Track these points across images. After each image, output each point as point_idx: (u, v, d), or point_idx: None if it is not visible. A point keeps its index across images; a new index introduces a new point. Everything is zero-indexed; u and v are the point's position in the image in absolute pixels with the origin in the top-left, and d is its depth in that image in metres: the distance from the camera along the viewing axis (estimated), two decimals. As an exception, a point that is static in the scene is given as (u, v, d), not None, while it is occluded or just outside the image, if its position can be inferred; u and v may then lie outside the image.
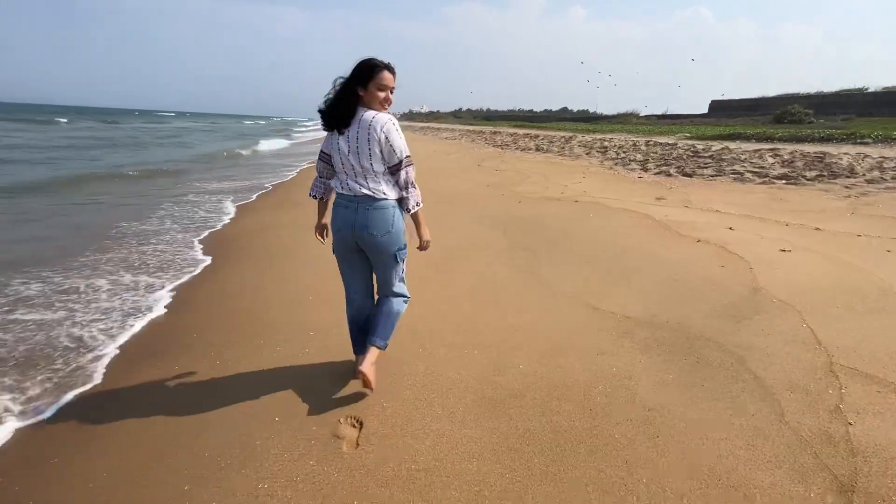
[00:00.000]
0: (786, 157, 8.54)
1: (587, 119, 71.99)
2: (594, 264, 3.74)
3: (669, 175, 7.94)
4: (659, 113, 64.33)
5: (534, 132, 19.31)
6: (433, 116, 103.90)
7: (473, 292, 3.25)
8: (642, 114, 65.16)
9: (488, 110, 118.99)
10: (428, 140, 24.08)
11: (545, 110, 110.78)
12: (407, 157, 1.89)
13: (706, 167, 8.07)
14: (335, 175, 1.99)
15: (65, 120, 40.39)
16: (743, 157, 8.96)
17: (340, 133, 1.87)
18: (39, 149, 14.64)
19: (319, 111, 1.91)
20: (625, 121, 57.12)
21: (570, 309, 2.93)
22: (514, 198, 6.89)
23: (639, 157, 9.56)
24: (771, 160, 8.42)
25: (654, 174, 8.29)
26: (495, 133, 21.46)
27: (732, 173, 7.65)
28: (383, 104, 1.87)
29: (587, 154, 11.20)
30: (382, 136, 1.83)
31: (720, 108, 56.20)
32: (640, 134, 23.14)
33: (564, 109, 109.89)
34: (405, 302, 2.17)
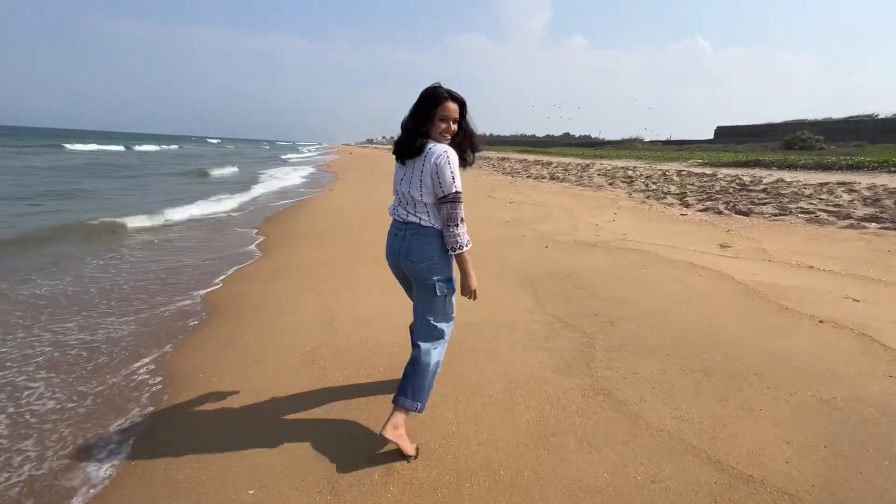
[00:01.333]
0: (865, 192, 7.30)
1: (590, 144, 71.89)
2: (682, 363, 2.51)
3: (719, 212, 6.73)
4: (663, 139, 64.05)
5: (544, 158, 18.36)
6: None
7: (505, 409, 2.09)
8: (646, 139, 64.90)
9: (491, 135, 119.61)
10: (432, 166, 23.11)
11: (547, 135, 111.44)
12: (454, 192, 1.81)
13: (763, 203, 6.83)
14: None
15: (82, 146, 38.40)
16: (807, 191, 7.64)
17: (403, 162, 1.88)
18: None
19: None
20: (630, 146, 56.69)
21: (673, 463, 1.69)
22: (538, 241, 5.68)
23: (673, 188, 8.37)
24: (846, 196, 7.18)
25: (699, 211, 7.09)
26: (503, 159, 20.51)
27: (801, 212, 6.42)
28: (443, 135, 1.84)
29: (610, 184, 10.06)
30: (434, 168, 1.78)
31: (726, 134, 55.74)
32: (650, 160, 22.22)
33: (567, 135, 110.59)
34: (439, 346, 1.92)
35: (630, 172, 10.70)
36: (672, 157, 26.14)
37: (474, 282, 1.86)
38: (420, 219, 1.85)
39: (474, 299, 1.89)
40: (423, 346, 1.88)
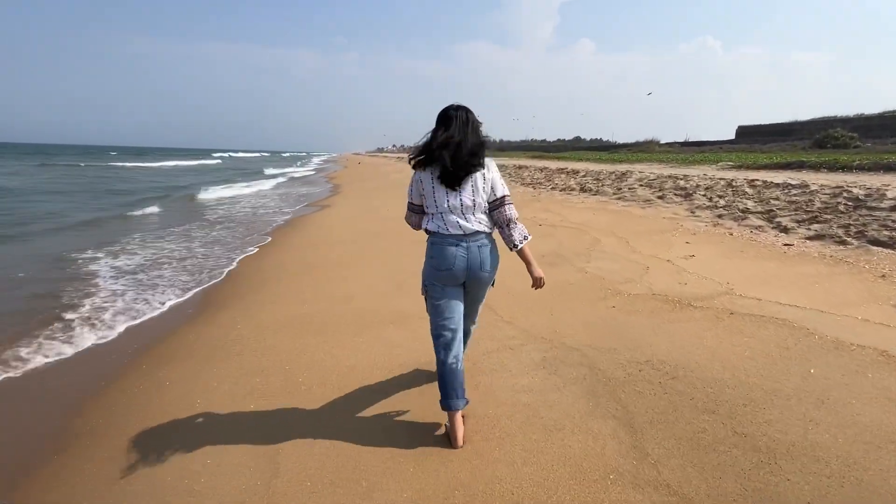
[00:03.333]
0: None
1: (603, 148, 69.83)
2: None
3: (842, 242, 4.85)
4: (681, 140, 61.85)
5: (567, 165, 16.64)
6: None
7: None
8: (663, 141, 62.74)
9: (501, 141, 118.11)
10: (442, 176, 21.46)
11: (558, 140, 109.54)
12: (508, 194, 2.14)
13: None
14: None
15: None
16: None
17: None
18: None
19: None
20: (646, 149, 54.52)
21: None
22: (595, 292, 4.02)
23: (751, 204, 6.53)
24: None
25: (808, 238, 5.25)
26: (520, 168, 18.80)
27: None
28: None
29: (660, 198, 8.28)
30: (493, 176, 2.12)
31: (748, 134, 53.33)
32: (676, 163, 20.33)
33: (577, 139, 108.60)
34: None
35: (682, 182, 8.92)
36: (698, 159, 24.20)
37: (540, 270, 2.25)
38: (485, 227, 2.07)
39: (542, 286, 2.24)
40: (472, 327, 2.41)
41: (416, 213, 2.14)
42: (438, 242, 2.04)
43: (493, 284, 2.25)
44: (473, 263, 2.05)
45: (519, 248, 2.14)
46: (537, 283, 2.19)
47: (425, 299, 2.16)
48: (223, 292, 4.91)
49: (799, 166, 14.09)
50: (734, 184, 7.75)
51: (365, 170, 32.80)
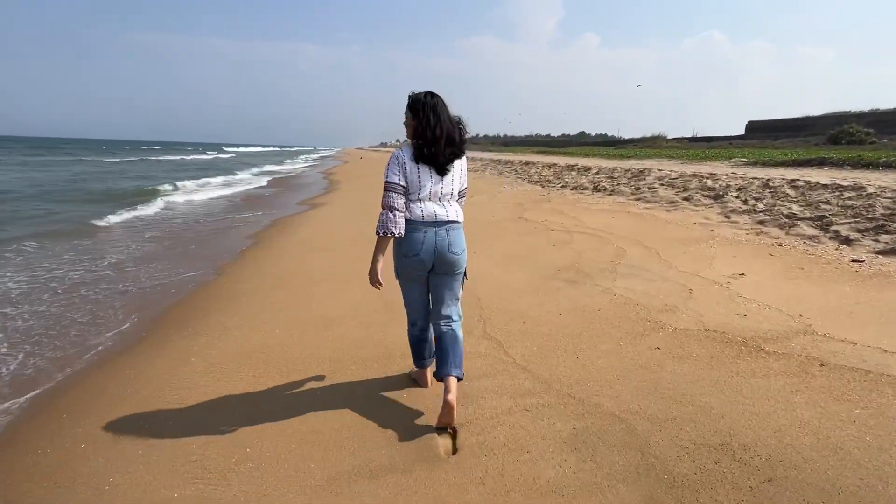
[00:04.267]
0: None
1: (609, 143, 68.86)
2: None
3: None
4: (689, 135, 60.66)
5: (577, 162, 15.74)
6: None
7: None
8: (670, 136, 61.65)
9: (506, 136, 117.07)
10: (444, 172, 20.56)
11: (563, 135, 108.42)
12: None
13: None
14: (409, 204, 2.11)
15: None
16: None
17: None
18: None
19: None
20: (654, 144, 53.53)
21: None
22: (628, 324, 3.24)
23: (796, 208, 5.72)
24: None
25: (877, 252, 4.38)
26: (527, 164, 17.91)
27: None
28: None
29: (686, 199, 7.40)
30: (464, 165, 2.27)
31: (759, 129, 52.15)
32: (686, 160, 19.51)
33: (582, 134, 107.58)
34: (461, 320, 2.32)
35: (709, 182, 8.04)
36: (710, 155, 23.30)
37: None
38: (457, 213, 2.17)
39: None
40: (455, 323, 2.27)
41: (401, 194, 2.09)
42: (407, 230, 2.09)
43: (465, 276, 2.32)
44: (441, 244, 2.11)
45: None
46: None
47: (399, 284, 2.33)
48: (187, 309, 4.14)
49: (820, 163, 13.20)
50: (772, 184, 6.89)
51: (366, 165, 31.96)
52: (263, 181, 19.55)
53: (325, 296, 4.20)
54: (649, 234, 5.76)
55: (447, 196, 2.14)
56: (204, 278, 5.21)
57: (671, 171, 10.13)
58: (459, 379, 2.16)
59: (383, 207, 2.09)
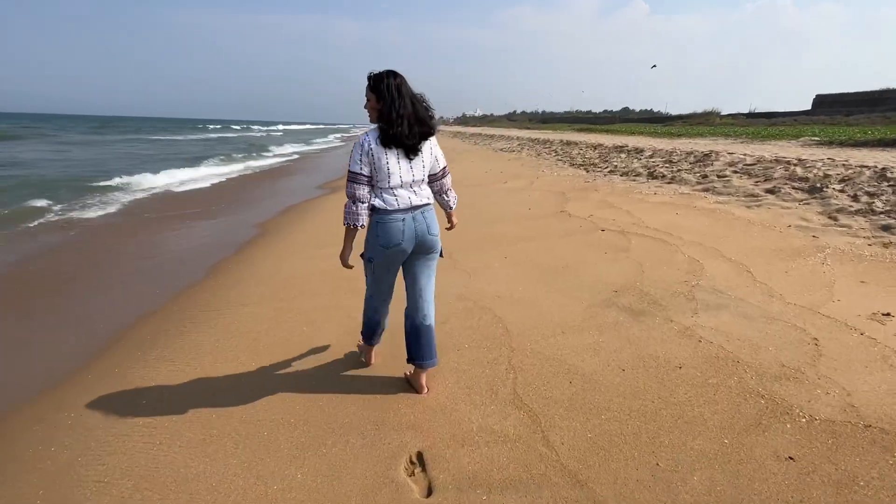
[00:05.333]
0: None
1: (655, 119, 64.75)
2: None
3: None
4: (745, 111, 56.12)
5: (627, 143, 14.12)
6: (486, 120, 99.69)
7: None
8: (724, 112, 57.32)
9: (544, 112, 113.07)
10: (479, 153, 19.29)
11: (605, 111, 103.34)
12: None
13: None
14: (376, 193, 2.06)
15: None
16: None
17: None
18: None
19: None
20: (705, 121, 49.78)
21: None
22: (728, 398, 2.22)
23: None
24: None
25: None
26: (568, 143, 16.39)
27: None
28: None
29: (769, 192, 5.99)
30: (435, 146, 2.19)
31: (828, 104, 47.29)
32: (744, 138, 17.42)
33: (626, 110, 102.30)
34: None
35: (798, 170, 6.53)
36: (773, 133, 20.87)
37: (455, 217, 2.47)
38: (428, 196, 2.15)
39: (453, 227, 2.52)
40: (431, 312, 2.27)
41: (365, 184, 2.03)
42: (384, 220, 2.05)
43: (441, 254, 2.30)
44: (420, 228, 2.10)
45: (451, 210, 2.37)
46: (452, 225, 2.48)
47: (365, 266, 2.24)
48: (154, 324, 3.41)
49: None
50: (890, 174, 5.42)
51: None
52: (288, 158, 19.03)
53: (312, 314, 3.33)
54: (730, 241, 4.53)
55: (418, 182, 2.10)
56: (194, 276, 4.49)
57: (745, 154, 8.58)
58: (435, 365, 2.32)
59: (348, 197, 2.06)
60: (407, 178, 2.05)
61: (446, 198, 2.31)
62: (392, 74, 1.99)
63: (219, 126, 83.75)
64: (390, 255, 2.10)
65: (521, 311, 3.29)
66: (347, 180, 2.05)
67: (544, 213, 6.51)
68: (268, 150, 25.47)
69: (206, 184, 12.18)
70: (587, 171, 10.15)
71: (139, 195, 9.85)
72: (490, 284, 3.84)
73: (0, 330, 3.51)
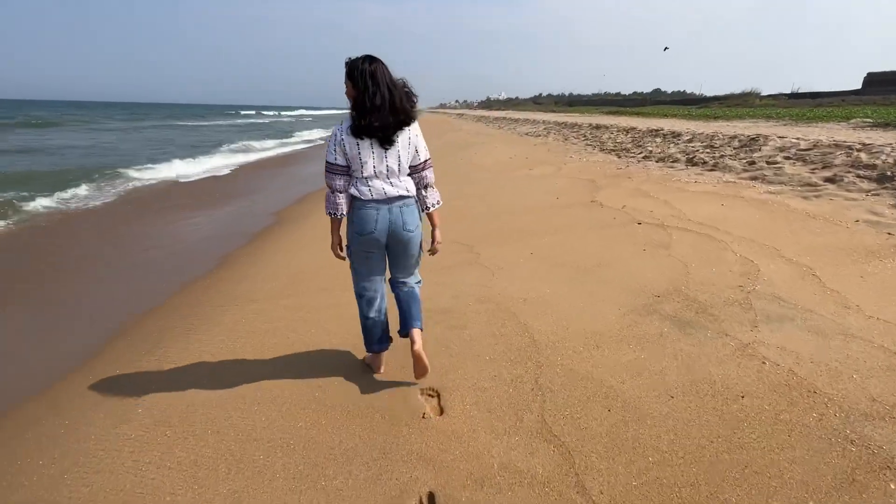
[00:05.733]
0: None
1: (688, 101, 61.96)
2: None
3: None
4: (787, 91, 53.05)
5: (662, 126, 13.27)
6: (511, 104, 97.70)
7: None
8: (764, 93, 54.42)
9: (571, 95, 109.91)
10: (503, 137, 18.69)
11: (635, 93, 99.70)
12: (429, 157, 2.13)
13: None
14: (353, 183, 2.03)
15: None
16: None
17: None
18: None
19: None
20: (744, 102, 47.34)
21: None
22: (835, 458, 1.80)
23: None
24: None
25: None
26: (597, 127, 15.59)
27: None
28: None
29: (831, 180, 5.28)
30: (418, 137, 2.11)
31: (881, 83, 44.01)
32: (788, 120, 16.22)
33: (657, 91, 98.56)
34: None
35: (863, 156, 5.80)
36: (820, 115, 19.38)
37: (440, 236, 2.25)
38: (407, 189, 2.05)
39: (436, 253, 2.28)
40: (413, 287, 2.31)
41: (340, 174, 2.01)
42: (358, 208, 2.03)
43: (422, 248, 2.23)
44: (395, 223, 2.05)
45: (430, 211, 2.17)
46: (434, 249, 2.25)
47: (348, 257, 2.20)
48: (160, 321, 3.23)
49: None
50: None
51: (421, 128, 30.44)
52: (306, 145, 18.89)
53: (320, 314, 3.05)
54: (787, 237, 4.00)
55: (394, 173, 2.03)
56: (205, 266, 4.31)
57: (797, 138, 7.82)
58: (421, 329, 2.24)
59: (327, 187, 2.07)
60: (381, 169, 1.99)
61: (424, 194, 2.16)
62: (368, 60, 1.91)
63: (252, 112, 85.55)
64: (364, 242, 2.07)
65: (550, 318, 2.92)
66: (325, 171, 2.04)
67: (573, 202, 6.05)
68: (292, 136, 25.47)
69: (227, 170, 12.11)
70: (619, 157, 9.54)
71: (155, 182, 9.81)
72: (514, 284, 3.48)
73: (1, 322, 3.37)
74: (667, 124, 16.52)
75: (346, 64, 1.94)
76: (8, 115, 43.58)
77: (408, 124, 2.00)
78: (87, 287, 4.15)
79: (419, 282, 2.36)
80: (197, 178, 10.78)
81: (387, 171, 2.00)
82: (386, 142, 1.96)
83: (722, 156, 7.48)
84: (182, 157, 12.73)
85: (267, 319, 3.15)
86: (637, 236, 4.39)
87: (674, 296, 3.09)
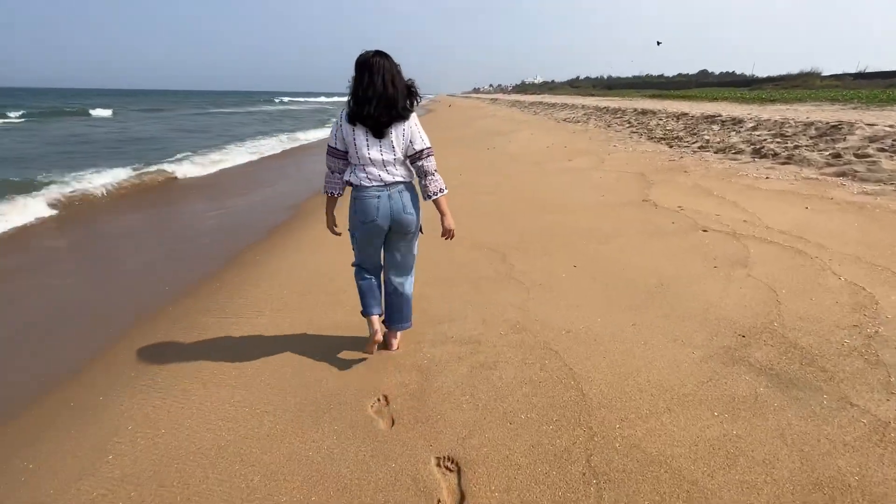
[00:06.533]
0: None
1: (738, 83, 58.26)
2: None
3: None
4: (853, 71, 48.83)
5: (720, 111, 12.02)
6: (547, 87, 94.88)
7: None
8: (825, 73, 50.38)
9: (609, 78, 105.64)
10: (538, 124, 17.70)
11: (679, 74, 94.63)
12: (430, 146, 2.13)
13: None
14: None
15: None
16: None
17: None
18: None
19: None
20: (804, 84, 43.92)
21: None
22: None
23: None
24: None
25: None
26: (643, 113, 14.39)
27: None
28: None
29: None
30: (414, 127, 2.11)
31: (964, 61, 39.74)
32: (857, 103, 14.64)
33: (704, 73, 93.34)
34: (413, 276, 2.42)
35: None
36: (893, 97, 17.40)
37: (453, 221, 2.22)
38: (403, 176, 2.11)
39: (452, 238, 2.24)
40: (407, 280, 2.37)
41: (338, 157, 2.13)
42: (360, 196, 2.09)
43: (421, 231, 2.29)
44: (396, 207, 2.11)
45: (434, 198, 2.18)
46: (447, 233, 2.23)
47: (350, 238, 2.27)
48: (164, 326, 2.80)
49: None
50: None
51: (453, 114, 29.69)
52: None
53: (332, 336, 2.55)
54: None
55: (389, 162, 2.07)
56: (216, 265, 3.93)
57: (892, 125, 6.70)
58: (409, 328, 2.48)
59: (327, 167, 2.18)
60: (376, 157, 2.05)
61: (425, 182, 2.16)
62: (374, 53, 1.98)
63: (286, 99, 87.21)
64: (367, 229, 2.15)
65: (602, 360, 2.31)
66: (326, 153, 2.15)
67: (622, 200, 5.31)
68: (328, 124, 25.28)
69: (255, 156, 11.86)
70: (670, 147, 8.59)
71: (183, 174, 9.61)
72: (556, 308, 2.87)
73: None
74: (721, 108, 15.15)
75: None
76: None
77: (403, 119, 2.02)
78: (109, 277, 3.81)
79: (412, 275, 2.41)
80: (227, 166, 10.55)
81: (382, 160, 2.05)
82: (377, 132, 2.00)
83: (796, 146, 6.49)
84: (215, 147, 12.59)
85: (272, 341, 2.68)
86: (704, 248, 3.67)
87: (765, 336, 2.41)
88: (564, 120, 17.65)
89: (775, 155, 6.38)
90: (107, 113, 31.81)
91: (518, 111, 27.69)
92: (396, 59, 2.01)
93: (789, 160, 6.09)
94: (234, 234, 5.10)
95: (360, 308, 2.39)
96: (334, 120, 2.14)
